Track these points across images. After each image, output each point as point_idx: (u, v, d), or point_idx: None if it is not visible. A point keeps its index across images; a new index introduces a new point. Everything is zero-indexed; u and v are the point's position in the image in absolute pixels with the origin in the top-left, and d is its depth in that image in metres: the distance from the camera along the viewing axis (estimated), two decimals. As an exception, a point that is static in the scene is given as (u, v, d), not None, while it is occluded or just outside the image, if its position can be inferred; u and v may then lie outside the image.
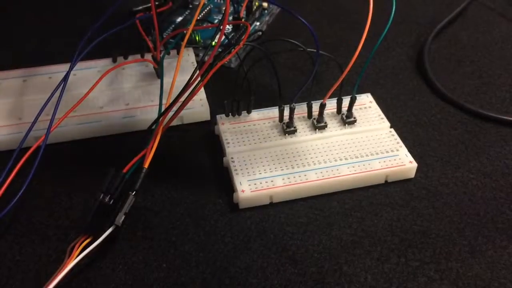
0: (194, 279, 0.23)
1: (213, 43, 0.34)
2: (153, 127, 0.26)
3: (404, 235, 0.25)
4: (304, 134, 0.29)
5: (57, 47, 0.36)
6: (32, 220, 0.25)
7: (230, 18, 0.37)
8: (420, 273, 0.24)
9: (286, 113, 0.29)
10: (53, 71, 0.33)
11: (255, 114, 0.30)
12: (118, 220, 0.23)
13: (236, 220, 0.26)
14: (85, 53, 0.28)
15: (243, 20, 0.36)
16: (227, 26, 0.36)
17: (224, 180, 0.27)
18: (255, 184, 0.26)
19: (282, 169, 0.27)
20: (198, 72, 0.28)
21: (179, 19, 0.38)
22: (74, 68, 0.29)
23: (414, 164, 0.27)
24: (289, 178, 0.26)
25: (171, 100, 0.27)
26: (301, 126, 0.29)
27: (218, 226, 0.25)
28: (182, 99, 0.27)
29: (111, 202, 0.24)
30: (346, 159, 0.27)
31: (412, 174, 0.28)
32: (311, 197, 0.27)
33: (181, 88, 0.26)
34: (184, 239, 0.25)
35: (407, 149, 0.28)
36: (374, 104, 0.31)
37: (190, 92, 0.27)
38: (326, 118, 0.29)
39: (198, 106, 0.31)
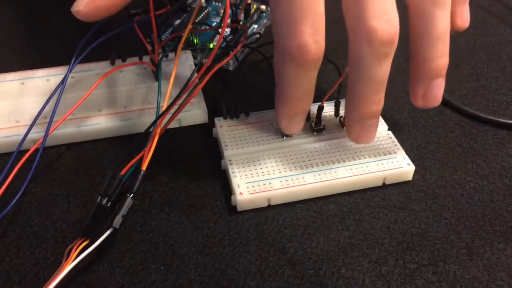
0: (192, 282, 0.23)
1: (211, 45, 0.34)
2: (151, 129, 0.26)
3: (402, 237, 0.25)
4: (302, 136, 0.29)
5: (55, 49, 0.36)
6: (29, 223, 0.25)
7: (228, 21, 0.37)
8: (418, 276, 0.24)
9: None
10: (51, 74, 0.33)
11: (253, 116, 0.30)
12: (116, 222, 0.23)
13: (234, 223, 0.26)
14: (83, 55, 0.28)
15: (241, 23, 0.36)
16: (226, 29, 0.36)
17: (222, 183, 0.28)
18: (253, 186, 0.26)
19: (280, 172, 0.27)
20: (196, 74, 0.28)
21: (177, 22, 0.38)
22: (72, 71, 0.29)
23: (412, 167, 0.27)
24: (287, 181, 0.26)
25: (168, 103, 0.27)
26: (299, 128, 0.29)
27: (216, 228, 0.25)
28: (180, 101, 0.27)
29: (108, 205, 0.24)
30: (344, 161, 0.27)
31: (409, 177, 0.28)
32: (309, 199, 0.27)
33: (179, 91, 0.26)
34: (182, 241, 0.25)
35: (405, 151, 0.28)
36: (372, 107, 0.31)
37: (188, 95, 0.27)
38: (324, 121, 0.29)
39: (196, 109, 0.31)
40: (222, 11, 0.38)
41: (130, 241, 0.25)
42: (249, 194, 0.26)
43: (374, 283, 0.23)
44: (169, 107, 0.26)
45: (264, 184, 0.26)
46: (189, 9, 0.39)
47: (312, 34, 0.21)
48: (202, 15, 0.37)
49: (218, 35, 0.35)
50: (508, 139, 0.31)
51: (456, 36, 0.39)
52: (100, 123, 0.30)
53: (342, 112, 0.30)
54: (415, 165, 0.28)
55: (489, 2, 0.43)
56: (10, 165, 0.26)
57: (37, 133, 0.28)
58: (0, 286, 0.23)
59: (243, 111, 0.30)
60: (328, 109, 0.30)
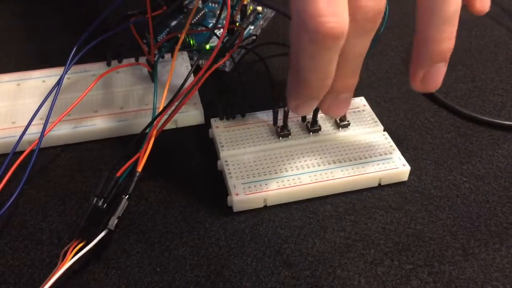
0: (188, 283, 0.23)
1: (208, 47, 0.34)
2: (147, 130, 0.26)
3: (398, 238, 0.25)
4: (298, 137, 0.29)
5: (51, 50, 0.36)
6: (25, 224, 0.25)
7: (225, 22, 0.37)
8: (413, 276, 0.24)
9: (280, 116, 0.29)
10: (47, 75, 0.33)
11: (249, 117, 0.30)
12: (111, 224, 0.23)
13: (230, 224, 0.26)
14: (79, 56, 0.28)
15: (237, 24, 0.36)
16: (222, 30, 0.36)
17: (218, 184, 0.28)
18: (249, 187, 0.26)
19: (276, 172, 0.27)
20: (192, 75, 0.28)
21: (174, 23, 0.38)
22: (68, 72, 0.29)
23: (407, 167, 0.28)
24: (283, 181, 0.26)
25: (164, 104, 0.27)
26: (295, 129, 0.29)
27: (212, 229, 0.25)
28: (176, 103, 0.27)
29: (104, 206, 0.24)
30: (340, 162, 0.27)
31: (405, 177, 0.28)
32: (305, 200, 0.27)
33: (175, 92, 0.26)
34: (178, 242, 0.25)
35: (401, 152, 0.28)
36: (368, 108, 0.31)
37: (184, 96, 0.27)
38: (320, 122, 0.29)
39: (192, 110, 0.31)
40: (218, 12, 0.38)
41: (126, 242, 0.25)
42: (245, 194, 0.26)
43: (370, 283, 0.23)
44: (165, 108, 0.26)
45: (260, 185, 0.26)
46: (185, 10, 0.39)
47: (329, 3, 0.19)
48: (198, 16, 0.37)
49: (214, 36, 0.35)
50: (503, 139, 0.31)
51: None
52: (96, 124, 0.30)
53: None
54: (410, 166, 0.28)
55: (484, 4, 0.43)
56: (6, 167, 0.26)
57: (33, 134, 0.28)
58: (-5, 288, 0.23)
59: (239, 112, 0.30)
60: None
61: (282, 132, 0.29)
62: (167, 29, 0.37)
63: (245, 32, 0.37)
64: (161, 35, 0.36)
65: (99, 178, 0.24)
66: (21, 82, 0.32)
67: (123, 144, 0.30)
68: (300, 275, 0.24)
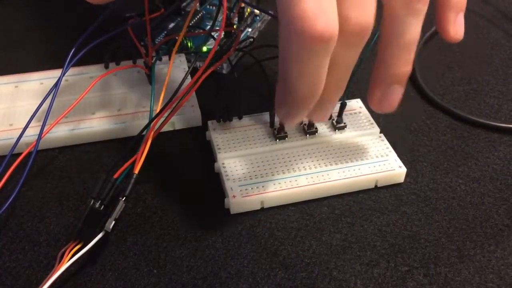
0: (185, 285, 0.23)
1: (205, 49, 0.34)
2: (144, 132, 0.26)
3: (394, 240, 0.25)
4: (294, 139, 0.29)
5: (49, 52, 0.36)
6: (22, 226, 0.25)
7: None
8: (409, 278, 0.24)
9: (277, 118, 0.29)
10: (45, 77, 0.33)
11: (246, 119, 0.30)
12: (108, 226, 0.23)
13: (227, 225, 0.26)
14: (77, 59, 0.29)
15: (234, 26, 0.37)
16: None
17: (215, 186, 0.28)
18: (246, 189, 0.26)
19: (273, 174, 0.27)
20: (189, 77, 0.28)
21: (171, 25, 0.38)
22: (66, 74, 0.29)
23: (404, 169, 0.28)
24: (280, 183, 0.27)
25: (162, 106, 0.27)
26: (292, 131, 0.29)
27: (209, 231, 0.26)
28: (173, 105, 0.27)
29: (101, 208, 0.24)
30: (336, 164, 0.28)
31: (401, 179, 0.28)
32: (301, 202, 0.27)
33: (172, 94, 0.27)
34: (175, 244, 0.25)
35: (397, 154, 0.28)
36: (364, 110, 0.31)
37: (181, 98, 0.27)
38: (317, 124, 0.29)
39: (190, 112, 0.31)
40: (215, 14, 0.38)
41: (123, 244, 0.25)
42: (242, 196, 0.26)
43: (366, 285, 0.23)
44: (162, 111, 0.26)
45: (257, 187, 0.26)
46: (182, 12, 0.39)
47: (318, 4, 0.18)
48: (196, 18, 0.37)
49: (211, 39, 0.35)
50: (499, 142, 0.31)
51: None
52: (94, 126, 0.30)
53: (334, 114, 0.30)
54: (407, 168, 0.28)
55: (481, 6, 0.44)
56: (3, 169, 0.26)
57: (30, 136, 0.28)
58: (-8, 290, 0.23)
59: (236, 114, 0.30)
60: (321, 112, 0.30)
61: (279, 134, 0.29)
62: (165, 32, 0.37)
63: (242, 35, 0.37)
64: (159, 38, 0.36)
65: (96, 180, 0.24)
66: (19, 84, 0.32)
67: (120, 146, 0.30)
68: (297, 276, 0.24)
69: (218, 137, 0.29)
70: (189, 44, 0.35)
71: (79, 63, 0.29)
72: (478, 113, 0.33)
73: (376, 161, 0.28)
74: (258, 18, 0.39)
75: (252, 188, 0.26)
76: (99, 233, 0.23)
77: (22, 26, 0.40)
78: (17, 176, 0.26)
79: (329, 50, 0.19)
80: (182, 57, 0.35)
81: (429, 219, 0.26)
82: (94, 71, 0.33)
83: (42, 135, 0.27)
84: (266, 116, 0.30)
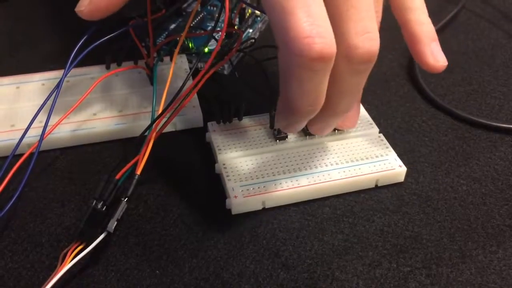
0: (187, 285, 0.23)
1: (206, 50, 0.34)
2: (146, 133, 0.26)
3: (395, 240, 0.25)
4: (295, 140, 0.29)
5: (50, 53, 0.36)
6: (24, 227, 0.25)
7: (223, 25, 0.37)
8: (411, 278, 0.24)
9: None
10: (47, 78, 0.33)
11: (246, 120, 0.30)
12: (110, 226, 0.23)
13: (229, 226, 0.26)
14: (79, 60, 0.29)
15: (236, 27, 0.37)
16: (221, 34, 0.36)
17: (216, 186, 0.28)
18: (247, 189, 0.26)
19: (274, 175, 0.27)
20: (190, 78, 0.28)
21: (172, 26, 0.38)
22: (67, 75, 0.29)
23: (404, 168, 0.28)
24: (281, 184, 0.27)
25: (163, 107, 0.27)
26: (293, 132, 0.29)
27: (211, 232, 0.26)
28: (175, 106, 0.27)
29: (104, 209, 0.24)
30: (336, 164, 0.28)
31: (401, 178, 0.28)
32: (303, 202, 0.27)
33: (173, 95, 0.27)
34: (177, 245, 0.25)
35: (398, 155, 0.28)
36: (363, 110, 0.31)
37: (183, 99, 0.27)
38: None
39: (192, 113, 0.31)
40: (216, 15, 0.38)
41: (125, 245, 0.25)
42: (244, 197, 0.26)
43: (368, 286, 0.23)
44: (164, 111, 0.26)
45: (259, 187, 0.26)
46: (184, 13, 0.39)
47: (311, 24, 0.18)
48: (197, 19, 0.37)
49: (213, 40, 0.35)
50: (500, 142, 0.31)
51: (449, 40, 0.40)
52: (95, 127, 0.30)
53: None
54: (408, 168, 0.28)
55: (481, 7, 0.44)
56: (5, 169, 0.26)
57: (32, 137, 0.28)
58: (-5, 290, 0.23)
59: (236, 115, 0.30)
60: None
61: (279, 135, 0.29)
62: (166, 32, 0.37)
63: (243, 35, 0.37)
64: (160, 38, 0.37)
65: (98, 181, 0.24)
66: (20, 85, 0.32)
67: (122, 147, 0.30)
68: (299, 277, 0.24)
69: (218, 138, 0.29)
70: (190, 45, 0.35)
71: (81, 64, 0.29)
72: (479, 114, 0.33)
73: (376, 161, 0.28)
74: (259, 19, 0.39)
75: (253, 189, 0.26)
76: (101, 234, 0.23)
77: (23, 27, 0.40)
78: (19, 177, 0.26)
79: (328, 68, 0.20)
80: (183, 58, 0.35)
81: (431, 220, 0.26)
82: (95, 72, 0.33)
83: (44, 136, 0.27)
84: (266, 117, 0.30)
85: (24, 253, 0.24)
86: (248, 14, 0.38)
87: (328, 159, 0.28)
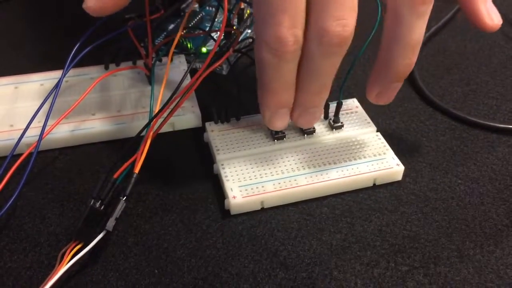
0: (186, 285, 0.23)
1: (204, 50, 0.34)
2: (143, 133, 0.26)
3: (394, 240, 0.25)
4: (293, 139, 0.29)
5: (49, 54, 0.36)
6: (23, 226, 0.26)
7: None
8: (409, 278, 0.24)
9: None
10: (45, 78, 0.33)
11: (244, 120, 0.30)
12: (109, 225, 0.23)
13: (228, 226, 0.26)
14: (78, 60, 0.29)
15: (234, 27, 0.37)
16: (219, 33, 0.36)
17: (215, 187, 0.28)
18: (246, 190, 0.26)
19: (273, 175, 0.27)
20: (188, 78, 0.28)
21: (171, 26, 0.38)
22: (66, 75, 0.29)
23: (401, 167, 0.28)
24: (279, 183, 0.27)
25: (160, 107, 0.27)
26: (290, 131, 0.29)
27: (210, 232, 0.26)
28: (172, 105, 0.27)
29: (102, 208, 0.24)
30: (334, 163, 0.28)
31: (399, 177, 0.28)
32: (301, 202, 0.27)
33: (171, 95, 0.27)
34: (176, 245, 0.25)
35: (396, 154, 0.29)
36: (360, 109, 0.31)
37: (180, 99, 0.27)
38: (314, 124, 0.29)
39: (190, 113, 0.31)
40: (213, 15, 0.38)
41: (123, 245, 0.25)
42: (242, 197, 0.26)
43: (366, 285, 0.24)
44: (160, 111, 0.26)
45: (257, 187, 0.26)
46: (182, 13, 0.39)
47: (290, 27, 0.22)
48: (196, 19, 0.37)
49: (211, 40, 0.35)
50: (498, 142, 0.31)
51: (447, 40, 0.40)
52: (94, 127, 0.30)
53: (331, 114, 0.30)
54: (406, 168, 0.28)
55: (479, 7, 0.44)
56: (4, 169, 0.26)
57: (31, 137, 0.28)
58: (-7, 290, 0.23)
59: (234, 115, 0.30)
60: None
61: (277, 134, 0.29)
62: (165, 33, 0.37)
63: (242, 35, 0.38)
64: (159, 39, 0.37)
65: (97, 180, 0.25)
66: (19, 85, 0.32)
67: (120, 147, 0.30)
68: (297, 277, 0.24)
69: (216, 138, 0.29)
70: (188, 45, 0.35)
71: (80, 64, 0.29)
72: (477, 114, 0.33)
73: (374, 160, 0.28)
74: (257, 19, 0.39)
75: (252, 189, 0.26)
76: (99, 233, 0.23)
77: (22, 27, 0.40)
78: (18, 177, 0.26)
79: (297, 56, 0.23)
80: (182, 58, 0.35)
81: (429, 219, 0.26)
82: (94, 72, 0.33)
83: (43, 136, 0.27)
84: (265, 117, 0.30)
85: (23, 253, 0.24)
86: (246, 15, 0.38)
87: (326, 158, 0.28)
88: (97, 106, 0.31)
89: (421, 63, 0.37)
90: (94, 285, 0.23)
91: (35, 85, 0.32)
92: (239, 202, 0.26)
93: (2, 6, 0.42)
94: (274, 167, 0.27)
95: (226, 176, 0.27)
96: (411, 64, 0.25)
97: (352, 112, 0.31)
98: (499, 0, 0.44)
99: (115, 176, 0.25)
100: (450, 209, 0.27)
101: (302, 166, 0.28)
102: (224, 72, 0.35)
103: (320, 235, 0.26)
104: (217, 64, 0.30)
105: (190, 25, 0.36)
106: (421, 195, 0.28)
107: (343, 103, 0.30)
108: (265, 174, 0.27)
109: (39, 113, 0.28)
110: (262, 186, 0.26)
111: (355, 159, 0.28)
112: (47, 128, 0.27)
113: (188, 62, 0.35)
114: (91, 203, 0.24)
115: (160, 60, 0.34)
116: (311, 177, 0.27)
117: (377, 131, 0.30)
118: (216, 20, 0.34)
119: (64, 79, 0.29)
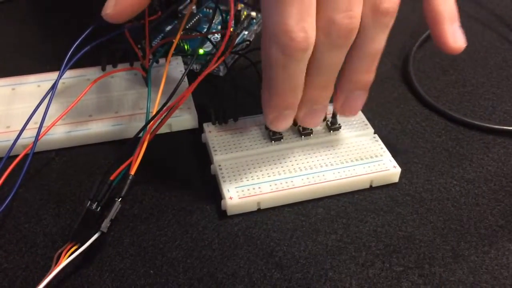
0: (181, 286, 0.23)
1: (201, 51, 0.35)
2: (140, 134, 0.26)
3: (389, 240, 0.26)
4: (290, 140, 0.29)
5: (46, 55, 0.37)
6: (19, 227, 0.26)
7: (219, 27, 0.38)
8: (404, 278, 0.24)
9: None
10: (42, 79, 0.33)
11: (242, 121, 0.30)
12: (104, 226, 0.23)
13: (224, 227, 0.26)
14: (74, 61, 0.29)
15: (231, 29, 0.37)
16: (216, 35, 0.37)
17: (212, 187, 0.28)
18: (242, 191, 0.26)
19: (269, 176, 0.27)
20: (185, 79, 0.28)
21: (168, 28, 0.38)
22: (63, 77, 0.29)
23: (398, 169, 0.28)
24: (276, 185, 0.27)
25: (158, 108, 0.27)
26: (287, 132, 0.29)
27: (206, 232, 0.26)
28: (170, 107, 0.27)
29: (98, 210, 0.24)
30: (331, 165, 0.28)
31: (396, 179, 0.28)
32: (297, 203, 0.27)
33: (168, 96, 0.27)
34: (171, 245, 0.25)
35: (392, 155, 0.29)
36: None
37: (177, 99, 0.27)
38: (312, 125, 0.30)
39: (186, 114, 0.31)
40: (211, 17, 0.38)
41: (119, 245, 0.25)
42: (239, 198, 0.26)
43: (361, 285, 0.24)
44: (158, 112, 0.26)
45: (254, 188, 0.26)
46: (180, 15, 0.39)
47: (299, 21, 0.21)
48: (193, 21, 0.38)
49: (208, 41, 0.35)
50: (493, 143, 0.31)
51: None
52: (91, 128, 0.30)
53: (329, 116, 0.30)
54: (402, 169, 0.28)
55: (475, 9, 0.44)
56: (0, 170, 0.26)
57: (27, 139, 0.28)
58: (-11, 291, 0.23)
59: (231, 116, 0.30)
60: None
61: (274, 136, 0.29)
62: (162, 34, 0.37)
63: (239, 37, 0.38)
64: (156, 40, 0.37)
65: (93, 182, 0.25)
66: (16, 87, 0.32)
67: (117, 148, 0.30)
68: (292, 277, 0.24)
69: (213, 139, 0.29)
70: (186, 47, 0.35)
71: (76, 65, 0.29)
72: (473, 115, 0.33)
73: (370, 161, 0.28)
74: (254, 21, 0.39)
75: (248, 190, 0.26)
76: (95, 234, 0.23)
77: (19, 29, 0.40)
78: (14, 178, 0.26)
79: (307, 56, 0.22)
80: (179, 60, 0.35)
81: (424, 220, 0.27)
82: (91, 73, 0.33)
83: (39, 137, 0.27)
84: (261, 118, 0.30)
85: (19, 254, 0.24)
86: (243, 17, 0.38)
87: (323, 160, 0.28)
88: (94, 108, 0.31)
89: (417, 64, 0.37)
90: (90, 286, 0.23)
91: (32, 86, 0.33)
92: (235, 203, 0.26)
93: (0, 7, 0.42)
94: (271, 168, 0.28)
95: (223, 177, 0.27)
96: (370, 72, 0.25)
97: (349, 114, 0.31)
98: (496, 1, 0.45)
99: (112, 178, 0.25)
100: (445, 210, 0.27)
101: (299, 168, 0.28)
102: (221, 74, 0.35)
103: (315, 236, 0.26)
104: (213, 66, 0.30)
105: (187, 27, 0.36)
106: (416, 196, 0.28)
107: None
108: (262, 175, 0.27)
109: (36, 114, 0.28)
110: (259, 187, 0.27)
111: (352, 161, 0.28)
112: (43, 129, 0.27)
113: (186, 63, 0.35)
114: (88, 205, 0.24)
115: (157, 62, 0.34)
116: (308, 178, 0.27)
117: (374, 133, 0.30)
118: (214, 22, 0.34)
119: (61, 80, 0.29)
